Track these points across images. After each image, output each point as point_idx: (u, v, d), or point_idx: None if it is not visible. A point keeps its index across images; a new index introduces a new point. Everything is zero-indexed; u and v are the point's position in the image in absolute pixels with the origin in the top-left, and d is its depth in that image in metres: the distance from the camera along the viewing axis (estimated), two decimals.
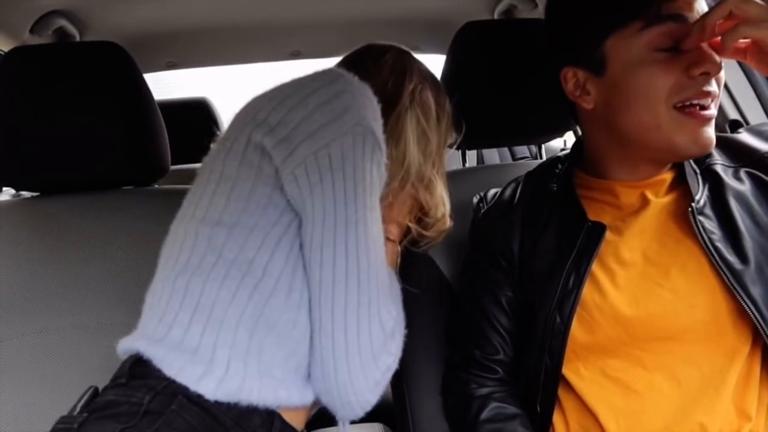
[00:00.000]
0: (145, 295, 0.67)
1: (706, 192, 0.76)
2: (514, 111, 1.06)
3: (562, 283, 0.75)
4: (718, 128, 0.90)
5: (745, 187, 0.76)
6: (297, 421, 0.67)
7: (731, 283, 0.69)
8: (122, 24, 1.44)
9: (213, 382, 0.59)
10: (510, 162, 2.44)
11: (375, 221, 0.65)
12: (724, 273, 0.70)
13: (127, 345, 0.64)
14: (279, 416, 0.63)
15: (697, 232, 0.72)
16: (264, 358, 0.62)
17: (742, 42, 0.68)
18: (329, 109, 0.63)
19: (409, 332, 0.72)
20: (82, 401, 0.62)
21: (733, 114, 1.12)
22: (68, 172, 0.97)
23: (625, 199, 0.79)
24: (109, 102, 0.95)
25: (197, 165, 0.72)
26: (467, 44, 1.06)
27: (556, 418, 0.78)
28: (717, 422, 0.70)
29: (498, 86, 1.04)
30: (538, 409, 0.78)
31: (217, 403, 0.59)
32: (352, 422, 0.70)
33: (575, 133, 1.37)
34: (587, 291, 0.74)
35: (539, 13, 1.41)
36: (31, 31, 1.26)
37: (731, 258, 0.70)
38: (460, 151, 1.29)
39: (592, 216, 0.77)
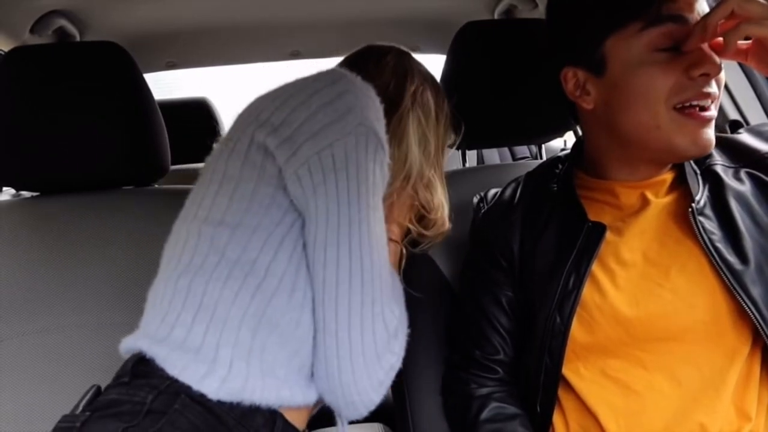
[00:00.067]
0: (146, 294, 0.67)
1: (706, 192, 0.76)
2: (514, 111, 1.06)
3: (562, 283, 0.75)
4: (718, 128, 0.90)
5: (746, 187, 0.76)
6: (299, 420, 0.67)
7: (731, 283, 0.69)
8: (122, 24, 1.44)
9: (216, 382, 0.59)
10: (510, 162, 2.44)
11: (378, 221, 0.66)
12: (724, 273, 0.70)
13: (130, 344, 0.64)
14: (281, 416, 0.63)
15: (697, 232, 0.72)
16: (267, 357, 0.62)
17: (743, 43, 0.68)
18: (332, 110, 0.63)
19: (409, 332, 0.72)
20: (85, 400, 0.62)
21: (733, 114, 1.12)
22: (68, 172, 0.97)
23: (625, 200, 0.79)
24: (109, 102, 0.95)
25: (197, 165, 0.72)
26: (467, 44, 1.06)
27: (556, 418, 0.78)
28: (717, 422, 0.70)
29: (498, 86, 1.04)
30: (538, 409, 0.78)
31: (220, 403, 0.59)
32: (352, 422, 0.70)
33: (575, 133, 1.37)
34: (587, 291, 0.74)
35: (539, 13, 1.41)
36: (31, 31, 1.26)
37: (731, 258, 0.70)
38: (460, 151, 1.29)
39: (592, 216, 0.77)
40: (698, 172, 0.78)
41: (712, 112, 0.71)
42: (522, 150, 2.59)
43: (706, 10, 0.69)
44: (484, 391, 0.83)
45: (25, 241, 0.96)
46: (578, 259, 0.75)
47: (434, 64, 1.08)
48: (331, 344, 0.63)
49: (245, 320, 0.61)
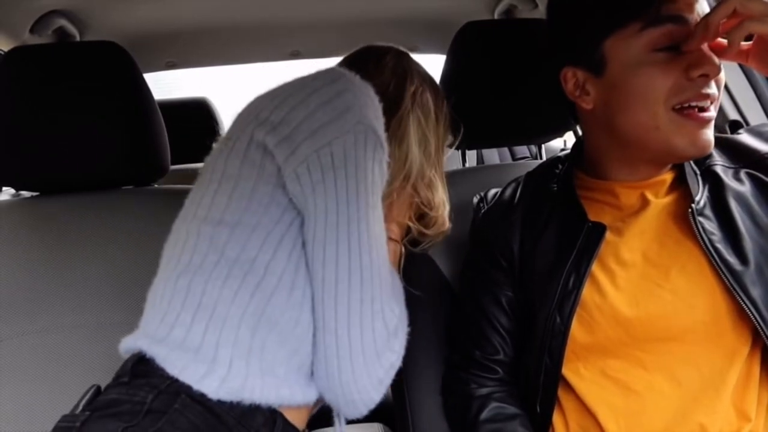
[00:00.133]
0: (145, 294, 0.67)
1: (706, 193, 0.76)
2: (514, 111, 1.06)
3: (562, 283, 0.75)
4: (718, 129, 0.90)
5: (746, 188, 0.76)
6: (299, 420, 0.67)
7: (731, 284, 0.69)
8: (122, 24, 1.44)
9: (215, 381, 0.59)
10: (510, 162, 2.44)
11: (377, 219, 0.66)
12: (724, 274, 0.70)
13: (129, 344, 0.64)
14: (281, 415, 0.63)
15: (697, 232, 0.72)
16: (266, 356, 0.62)
17: (744, 44, 0.68)
18: (331, 108, 0.63)
19: (409, 332, 0.72)
20: (85, 399, 0.62)
21: (733, 114, 1.12)
22: (68, 172, 0.97)
23: (625, 200, 0.79)
24: (109, 102, 0.95)
25: (197, 165, 0.72)
26: (467, 44, 1.06)
27: (556, 419, 0.78)
28: (717, 423, 0.70)
29: (498, 86, 1.04)
30: (538, 409, 0.78)
31: (220, 402, 0.59)
32: (352, 422, 0.70)
33: (575, 133, 1.37)
34: (587, 291, 0.74)
35: (539, 13, 1.41)
36: (31, 31, 1.26)
37: (731, 259, 0.70)
38: (460, 151, 1.29)
39: (592, 216, 0.78)
40: (698, 172, 0.78)
41: (712, 113, 0.71)
42: (522, 150, 2.59)
43: (706, 10, 0.69)
44: (484, 391, 0.83)
45: (25, 241, 0.96)
46: (578, 259, 0.75)
47: (434, 64, 1.08)
48: (330, 342, 0.63)
49: (244, 319, 0.61)
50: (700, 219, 0.72)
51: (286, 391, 0.63)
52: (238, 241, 0.62)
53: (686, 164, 0.79)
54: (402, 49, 0.86)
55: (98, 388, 0.64)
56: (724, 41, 0.69)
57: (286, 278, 0.63)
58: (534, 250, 0.81)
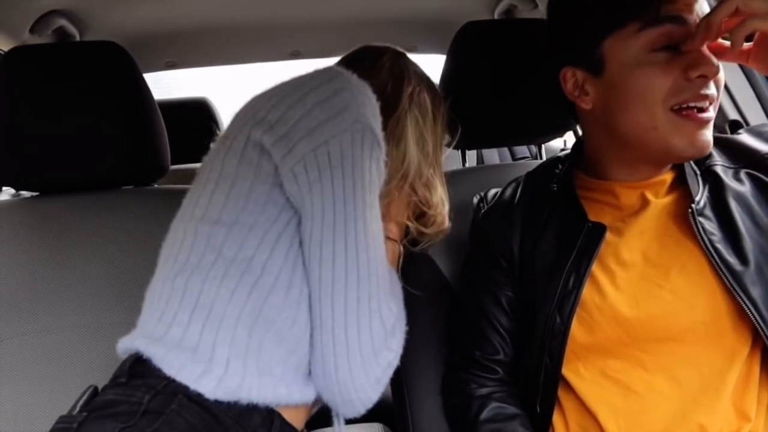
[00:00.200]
0: (145, 294, 0.68)
1: (706, 193, 0.75)
2: (514, 111, 1.06)
3: (562, 283, 0.75)
4: (718, 129, 0.90)
5: (746, 188, 0.76)
6: (297, 420, 0.66)
7: (731, 284, 0.69)
8: (122, 24, 1.44)
9: (213, 381, 0.59)
10: (510, 162, 2.44)
11: (374, 218, 0.66)
12: (724, 274, 0.70)
13: (127, 344, 0.64)
14: (279, 415, 0.63)
15: (697, 233, 0.72)
16: (263, 356, 0.62)
17: (745, 45, 0.68)
18: (328, 107, 0.63)
19: (408, 332, 0.72)
20: (82, 400, 0.62)
21: (733, 114, 1.12)
22: (68, 172, 0.97)
23: (625, 200, 0.79)
24: (109, 102, 0.95)
25: (197, 165, 0.72)
26: (467, 44, 1.06)
27: (556, 419, 0.78)
28: (717, 423, 0.70)
29: (498, 86, 1.04)
30: (538, 409, 0.78)
31: (217, 402, 0.59)
32: (352, 422, 0.70)
33: (575, 133, 1.37)
34: (587, 291, 0.74)
35: (539, 13, 1.41)
36: (31, 30, 1.26)
37: (731, 259, 0.70)
38: (459, 151, 1.29)
39: (592, 216, 0.77)
40: (698, 172, 0.78)
41: (710, 114, 0.71)
42: (522, 150, 2.58)
43: (706, 11, 0.69)
44: (484, 391, 0.83)
45: (25, 241, 0.96)
46: (578, 259, 0.75)
47: (433, 64, 1.08)
48: (327, 341, 0.63)
49: (241, 318, 0.61)
50: (700, 219, 0.72)
51: (284, 391, 0.63)
52: (235, 241, 0.62)
53: (686, 164, 0.78)
54: (399, 49, 0.86)
55: (95, 388, 0.64)
56: (724, 42, 0.69)
57: (283, 277, 0.63)
58: (534, 250, 0.81)
